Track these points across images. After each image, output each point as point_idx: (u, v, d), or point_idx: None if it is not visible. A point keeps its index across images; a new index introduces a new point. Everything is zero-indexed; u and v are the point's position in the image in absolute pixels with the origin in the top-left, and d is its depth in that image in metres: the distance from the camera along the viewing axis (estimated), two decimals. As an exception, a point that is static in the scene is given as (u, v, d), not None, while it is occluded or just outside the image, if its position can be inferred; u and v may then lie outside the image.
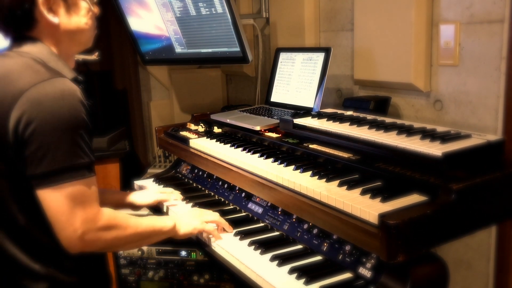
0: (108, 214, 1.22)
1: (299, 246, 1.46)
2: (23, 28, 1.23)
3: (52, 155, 1.10)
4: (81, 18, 1.30)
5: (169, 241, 2.18)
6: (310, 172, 1.42)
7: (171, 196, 1.86)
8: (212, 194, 1.92)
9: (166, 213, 1.82)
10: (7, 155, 1.13)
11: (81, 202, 1.14)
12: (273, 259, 1.39)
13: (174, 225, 1.44)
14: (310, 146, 1.59)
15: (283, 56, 2.14)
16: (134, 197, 1.77)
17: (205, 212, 1.58)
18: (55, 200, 1.12)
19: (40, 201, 1.13)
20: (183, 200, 1.88)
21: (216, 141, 1.93)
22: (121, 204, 1.74)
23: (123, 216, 1.28)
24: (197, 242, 1.67)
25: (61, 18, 1.25)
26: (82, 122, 1.15)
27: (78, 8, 1.29)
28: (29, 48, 1.23)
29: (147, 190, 1.92)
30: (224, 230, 1.58)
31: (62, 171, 1.11)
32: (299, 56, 2.04)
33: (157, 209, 1.91)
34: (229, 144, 1.84)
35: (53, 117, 1.10)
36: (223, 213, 1.78)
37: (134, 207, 1.79)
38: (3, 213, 1.19)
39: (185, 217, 1.53)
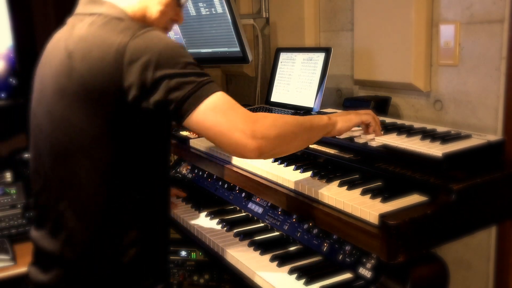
0: (261, 113, 1.18)
1: (299, 246, 1.46)
2: None
3: (184, 80, 1.11)
4: (164, 12, 1.32)
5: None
6: (310, 172, 1.42)
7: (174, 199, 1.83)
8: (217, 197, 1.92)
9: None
10: (122, 113, 1.15)
11: (230, 106, 1.14)
12: (273, 259, 1.39)
13: (329, 119, 1.32)
14: (310, 146, 1.59)
15: (283, 56, 2.14)
16: None
17: (359, 111, 1.43)
18: (207, 117, 1.11)
19: (193, 128, 1.14)
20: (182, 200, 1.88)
21: (216, 141, 1.92)
22: None
23: (276, 114, 1.24)
24: (197, 242, 1.67)
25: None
26: (186, 49, 1.18)
27: (168, 5, 1.32)
28: (104, 9, 1.23)
29: None
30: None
31: (199, 87, 1.12)
32: (299, 56, 2.04)
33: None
34: (229, 144, 1.84)
35: (168, 50, 1.13)
36: (223, 213, 1.79)
37: None
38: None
39: (339, 114, 1.39)
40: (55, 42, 1.27)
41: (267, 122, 1.15)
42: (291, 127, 1.21)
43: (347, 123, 1.35)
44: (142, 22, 1.25)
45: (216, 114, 1.11)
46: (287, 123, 1.20)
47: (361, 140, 1.41)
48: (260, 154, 1.14)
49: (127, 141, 1.18)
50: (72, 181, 1.20)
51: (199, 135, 1.17)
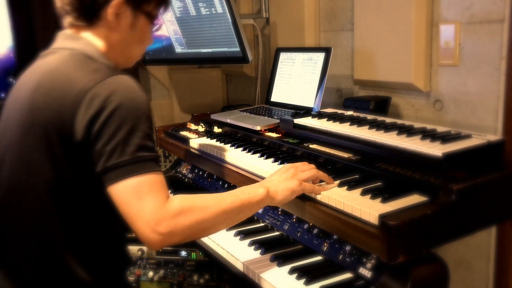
0: (178, 199, 1.13)
1: (299, 246, 1.46)
2: (85, 18, 1.23)
3: (123, 147, 1.08)
4: (141, 36, 1.31)
5: (169, 241, 2.20)
6: (310, 172, 1.41)
7: None
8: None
9: None
10: (71, 157, 1.12)
11: (150, 192, 1.09)
12: (273, 259, 1.39)
13: (267, 192, 1.25)
14: (310, 146, 1.60)
15: (283, 56, 2.14)
16: None
17: (298, 167, 1.34)
18: (124, 192, 1.09)
19: (111, 197, 1.11)
20: None
21: (216, 141, 1.93)
22: None
23: (199, 197, 1.18)
24: (197, 242, 1.67)
25: (122, 28, 1.25)
26: (148, 116, 1.15)
27: (141, 31, 1.30)
28: (80, 44, 1.22)
29: None
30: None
31: (133, 162, 1.09)
32: (299, 56, 2.04)
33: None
34: (229, 144, 1.84)
35: (124, 109, 1.09)
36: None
37: None
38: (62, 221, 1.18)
39: (278, 179, 1.31)
40: (27, 74, 1.25)
41: (180, 215, 1.10)
42: (210, 216, 1.15)
43: (289, 196, 1.28)
44: (117, 57, 1.26)
45: (132, 195, 1.08)
46: (206, 213, 1.14)
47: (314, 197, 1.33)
48: (162, 246, 1.12)
49: (76, 188, 1.16)
50: (23, 221, 1.19)
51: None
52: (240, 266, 1.42)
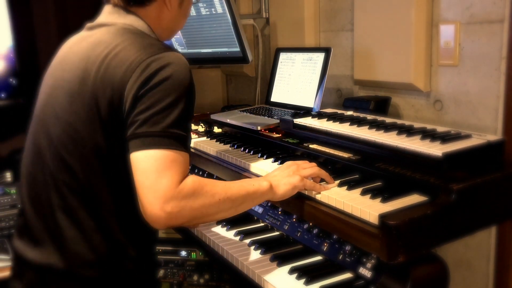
0: (192, 180, 1.13)
1: (299, 246, 1.46)
2: (139, 2, 1.26)
3: (158, 118, 1.09)
4: (185, 12, 1.38)
5: (169, 241, 2.20)
6: (310, 172, 1.41)
7: None
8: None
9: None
10: (120, 125, 1.13)
11: (169, 168, 1.09)
12: (273, 259, 1.39)
13: (270, 186, 1.27)
14: (310, 146, 1.60)
15: (283, 56, 2.14)
16: None
17: (300, 164, 1.35)
18: (145, 161, 1.09)
19: (131, 164, 1.11)
20: None
21: (216, 141, 1.93)
22: None
23: (209, 182, 1.18)
24: (197, 242, 1.67)
25: (172, 7, 1.32)
26: (193, 96, 1.17)
27: (187, 6, 1.38)
28: (129, 20, 1.25)
29: None
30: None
31: (162, 136, 1.09)
32: (299, 56, 2.04)
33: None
34: (229, 144, 1.84)
35: (172, 81, 1.11)
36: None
37: None
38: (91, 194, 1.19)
39: (280, 175, 1.32)
40: (71, 46, 1.27)
41: (192, 194, 1.11)
42: (217, 202, 1.16)
43: (290, 191, 1.29)
44: (162, 33, 1.32)
45: (152, 167, 1.08)
46: (214, 197, 1.16)
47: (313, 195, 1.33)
48: (165, 225, 1.12)
49: (122, 155, 1.16)
50: (74, 188, 1.19)
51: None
52: (240, 266, 1.42)
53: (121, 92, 1.12)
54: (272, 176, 1.32)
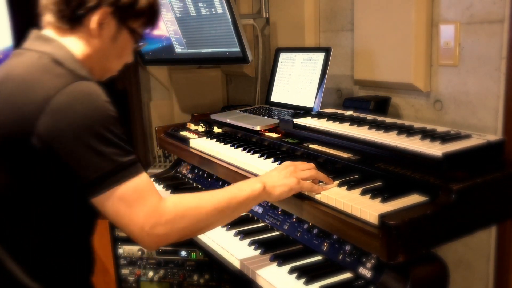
0: (172, 202, 1.12)
1: (299, 246, 1.46)
2: (68, 21, 1.18)
3: (98, 158, 1.05)
4: (120, 51, 1.27)
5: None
6: (310, 172, 1.41)
7: None
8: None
9: None
10: (29, 162, 1.08)
11: (138, 198, 1.07)
12: (273, 259, 1.39)
13: (264, 187, 1.24)
14: (310, 146, 1.60)
15: (283, 56, 2.14)
16: None
17: (298, 166, 1.33)
18: (112, 204, 1.07)
19: (99, 209, 1.09)
20: None
21: (216, 141, 1.93)
22: None
23: (193, 198, 1.17)
24: (196, 242, 1.67)
25: (102, 39, 1.21)
26: (115, 120, 1.10)
27: (122, 46, 1.26)
28: (51, 48, 1.16)
29: None
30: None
31: (113, 172, 1.06)
32: (299, 56, 2.04)
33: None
34: (229, 144, 1.84)
35: (89, 118, 1.05)
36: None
37: None
38: (12, 231, 1.14)
39: (277, 176, 1.29)
40: None
41: (174, 216, 1.10)
42: (205, 216, 1.15)
43: (286, 193, 1.28)
44: (92, 66, 1.21)
45: (120, 204, 1.06)
46: (201, 213, 1.15)
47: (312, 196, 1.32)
48: (159, 246, 1.12)
49: (36, 197, 1.11)
50: None
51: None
52: (240, 266, 1.42)
53: (30, 132, 1.04)
54: (268, 176, 1.30)
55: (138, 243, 1.11)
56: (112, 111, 1.10)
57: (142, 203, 1.08)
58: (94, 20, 1.17)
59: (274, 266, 1.37)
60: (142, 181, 1.10)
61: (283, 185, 1.27)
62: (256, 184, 1.25)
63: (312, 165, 1.35)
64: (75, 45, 1.19)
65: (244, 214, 1.74)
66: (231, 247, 1.51)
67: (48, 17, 1.21)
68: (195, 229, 1.17)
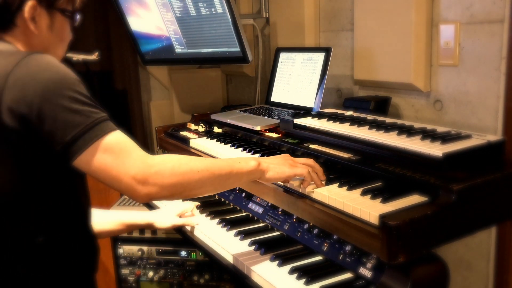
0: (160, 156, 1.12)
1: (300, 246, 1.46)
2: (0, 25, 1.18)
3: (73, 118, 1.04)
4: (60, 35, 1.27)
5: (169, 241, 2.20)
6: (310, 173, 1.41)
7: (193, 221, 1.74)
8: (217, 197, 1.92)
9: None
10: (7, 145, 1.06)
11: (124, 149, 1.07)
12: (273, 259, 1.39)
13: (258, 165, 1.27)
14: (311, 146, 1.60)
15: (283, 56, 2.14)
16: (151, 218, 1.70)
17: (295, 159, 1.36)
18: (96, 158, 1.05)
19: (83, 169, 1.08)
20: (197, 208, 1.85)
21: (216, 141, 1.93)
22: (137, 225, 1.69)
23: (182, 156, 1.18)
24: (197, 242, 1.67)
25: (40, 31, 1.20)
26: (80, 82, 1.10)
27: (60, 29, 1.26)
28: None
29: (165, 211, 1.80)
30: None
31: (90, 128, 1.05)
32: (299, 56, 2.04)
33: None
34: (229, 144, 1.84)
35: (53, 84, 1.05)
36: (224, 213, 1.79)
37: (152, 228, 1.73)
38: (11, 228, 1.12)
39: (272, 160, 1.33)
40: None
41: (165, 168, 1.09)
42: (196, 174, 1.14)
43: (278, 174, 1.30)
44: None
45: (106, 156, 1.05)
46: (192, 170, 1.14)
47: (299, 190, 1.36)
48: (151, 199, 1.11)
49: (22, 175, 1.09)
50: None
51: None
52: (240, 266, 1.42)
53: None
54: (264, 158, 1.33)
55: (129, 195, 1.08)
56: (75, 75, 1.10)
57: (128, 154, 1.07)
58: (27, 18, 1.17)
59: (274, 266, 1.37)
60: (123, 135, 1.10)
61: (278, 166, 1.30)
62: (251, 161, 1.27)
63: (311, 160, 1.36)
64: (18, 42, 1.19)
65: (244, 214, 1.74)
66: (231, 247, 1.51)
67: None
68: (187, 186, 1.15)
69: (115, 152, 1.06)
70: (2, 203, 1.10)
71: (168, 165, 1.11)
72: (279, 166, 1.31)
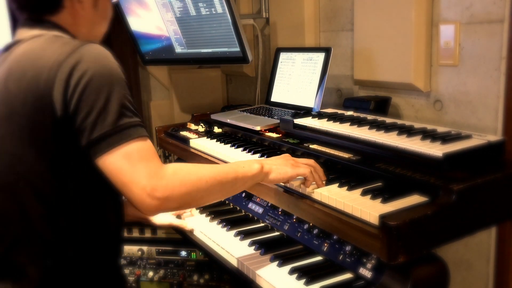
0: (173, 168, 1.13)
1: (300, 247, 1.46)
2: (48, 11, 1.22)
3: (104, 117, 1.07)
4: (104, 13, 1.33)
5: (169, 241, 2.20)
6: (310, 173, 1.41)
7: (187, 226, 1.75)
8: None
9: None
10: (57, 138, 1.09)
11: (141, 158, 1.08)
12: (273, 259, 1.39)
13: (262, 168, 1.28)
14: (311, 146, 1.60)
15: (283, 56, 2.14)
16: None
17: (296, 159, 1.37)
18: (114, 162, 1.07)
19: (102, 170, 1.09)
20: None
21: (216, 141, 1.93)
22: (136, 216, 1.68)
23: (191, 166, 1.19)
24: (197, 242, 1.67)
25: (86, 10, 1.27)
26: (126, 81, 1.13)
27: (103, 7, 1.32)
28: (45, 29, 1.21)
29: None
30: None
31: (117, 132, 1.07)
32: (299, 56, 2.04)
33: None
34: (230, 144, 1.84)
35: (98, 78, 1.07)
36: (224, 213, 1.79)
37: (149, 222, 1.73)
38: (42, 214, 1.15)
39: (274, 161, 1.34)
40: None
41: (175, 180, 1.10)
42: (205, 184, 1.16)
43: (281, 175, 1.30)
44: (88, 37, 1.26)
45: (124, 162, 1.07)
46: (201, 180, 1.15)
47: (300, 190, 1.36)
48: (158, 211, 1.12)
49: (67, 169, 1.13)
50: (18, 215, 1.14)
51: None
52: (240, 266, 1.42)
53: (49, 102, 1.07)
54: (265, 159, 1.34)
55: (138, 206, 1.09)
56: (121, 72, 1.14)
57: (145, 163, 1.08)
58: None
59: (274, 266, 1.37)
60: (147, 143, 1.11)
61: (280, 167, 1.31)
62: (254, 164, 1.28)
63: (312, 161, 1.36)
64: (65, 25, 1.24)
65: (244, 214, 1.74)
66: (231, 247, 1.51)
67: (25, 14, 1.25)
68: (195, 197, 1.16)
69: (133, 160, 1.07)
70: (35, 188, 1.13)
71: (178, 176, 1.12)
72: (282, 167, 1.31)
